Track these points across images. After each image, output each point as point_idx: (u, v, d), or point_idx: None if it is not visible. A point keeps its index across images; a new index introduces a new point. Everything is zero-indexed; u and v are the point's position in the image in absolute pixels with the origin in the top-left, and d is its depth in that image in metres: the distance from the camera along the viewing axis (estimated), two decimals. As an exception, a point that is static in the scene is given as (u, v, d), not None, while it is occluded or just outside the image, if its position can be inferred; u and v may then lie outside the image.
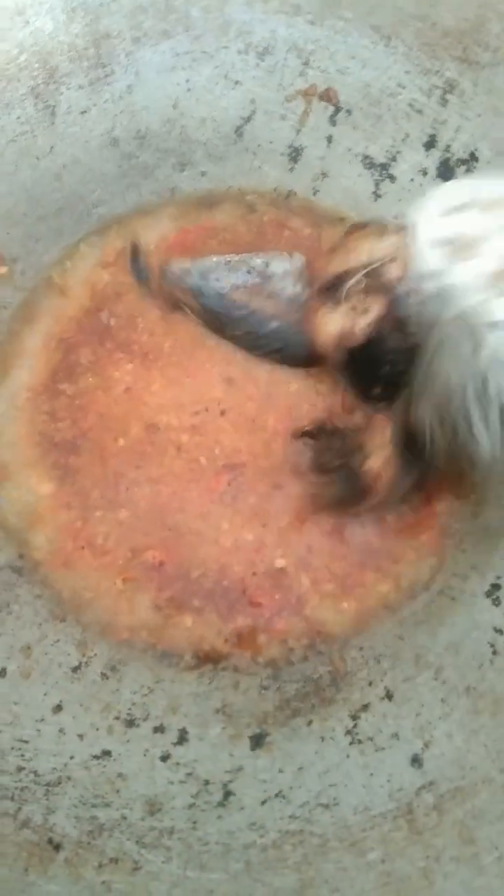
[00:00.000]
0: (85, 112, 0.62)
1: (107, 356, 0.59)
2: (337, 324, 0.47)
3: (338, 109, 0.63)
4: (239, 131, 0.64)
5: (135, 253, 0.60)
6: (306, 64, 0.62)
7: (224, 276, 0.56)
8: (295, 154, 0.64)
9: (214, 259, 0.57)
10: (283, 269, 0.56)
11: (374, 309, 0.45)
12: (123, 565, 0.55)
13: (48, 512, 0.56)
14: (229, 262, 0.57)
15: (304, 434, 0.56)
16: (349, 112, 0.63)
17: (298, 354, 0.55)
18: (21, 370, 0.59)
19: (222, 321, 0.57)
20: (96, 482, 0.56)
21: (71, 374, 0.59)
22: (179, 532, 0.55)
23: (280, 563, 0.54)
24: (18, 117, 0.61)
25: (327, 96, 0.63)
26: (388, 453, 0.49)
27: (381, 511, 0.54)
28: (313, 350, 0.51)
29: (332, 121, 0.63)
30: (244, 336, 0.57)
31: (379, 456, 0.49)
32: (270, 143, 0.64)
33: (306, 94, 0.63)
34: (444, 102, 0.61)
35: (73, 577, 0.55)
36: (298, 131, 0.64)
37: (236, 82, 0.63)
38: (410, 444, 0.46)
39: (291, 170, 0.64)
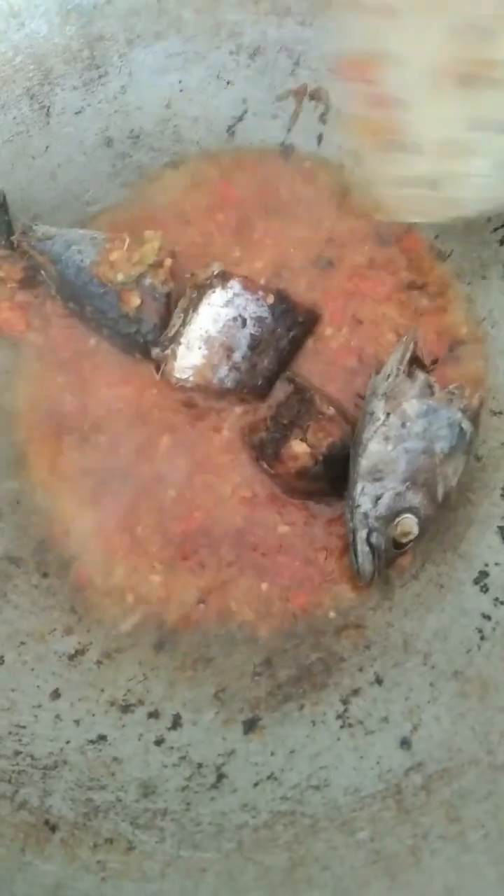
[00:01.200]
0: (79, 112, 0.63)
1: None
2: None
3: (328, 108, 0.64)
4: (231, 130, 0.65)
5: (2, 207, 0.60)
6: (297, 64, 0.64)
7: (88, 250, 0.58)
8: (286, 152, 0.65)
9: (81, 231, 0.59)
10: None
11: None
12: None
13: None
14: (95, 237, 0.59)
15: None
16: (339, 111, 0.64)
17: (144, 347, 0.58)
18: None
19: (76, 292, 0.58)
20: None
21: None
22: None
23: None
24: (14, 118, 0.62)
25: (317, 95, 0.64)
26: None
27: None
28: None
29: (323, 119, 0.64)
30: (94, 311, 0.58)
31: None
32: (262, 141, 0.65)
33: (297, 93, 0.64)
34: (431, 101, 0.62)
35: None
36: (289, 130, 0.65)
37: (228, 82, 0.64)
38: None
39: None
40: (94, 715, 0.53)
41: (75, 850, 0.47)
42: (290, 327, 0.58)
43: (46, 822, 0.48)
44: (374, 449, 0.52)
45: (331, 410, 0.55)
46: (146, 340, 0.58)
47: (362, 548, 0.53)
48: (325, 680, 0.54)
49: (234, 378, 0.57)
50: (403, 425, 0.52)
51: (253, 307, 0.57)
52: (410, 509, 0.53)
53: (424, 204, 0.53)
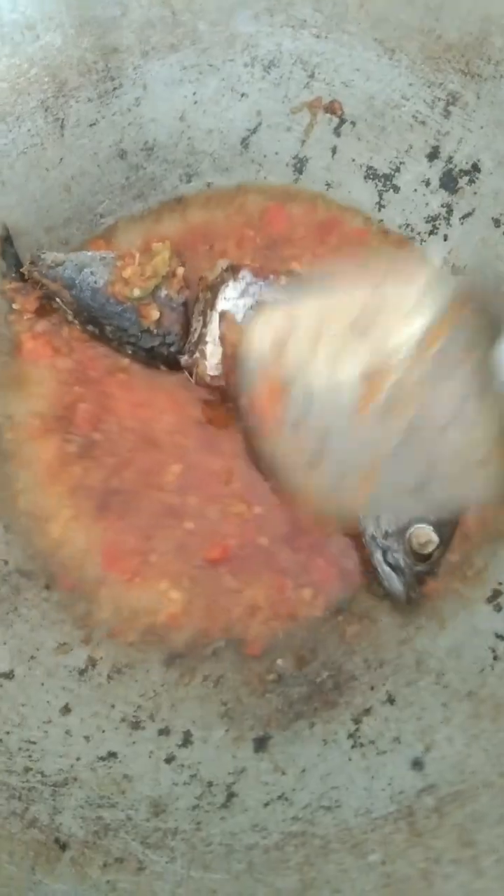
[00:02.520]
0: (93, 124, 0.63)
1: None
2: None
3: (342, 121, 0.64)
4: (245, 143, 0.65)
5: (7, 240, 0.61)
6: (311, 76, 0.63)
7: (100, 270, 0.58)
8: (300, 165, 0.65)
9: (90, 253, 0.60)
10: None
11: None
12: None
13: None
14: (105, 257, 0.59)
15: None
16: (353, 123, 0.64)
17: (168, 358, 0.58)
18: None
19: (94, 314, 0.58)
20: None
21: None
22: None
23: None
24: (28, 130, 0.62)
25: (332, 108, 0.64)
26: None
27: None
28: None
29: (337, 132, 0.64)
30: (114, 330, 0.58)
31: None
32: (276, 154, 0.65)
33: (311, 106, 0.64)
34: (447, 114, 0.62)
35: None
36: (303, 142, 0.65)
37: (242, 94, 0.64)
38: None
39: (296, 180, 0.65)
40: (104, 731, 0.53)
41: (85, 870, 0.47)
42: None
43: (56, 841, 0.48)
44: None
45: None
46: (170, 352, 0.58)
47: (383, 569, 0.53)
48: (336, 698, 0.53)
49: None
50: None
51: (268, 291, 0.56)
52: (420, 518, 0.52)
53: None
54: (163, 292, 0.58)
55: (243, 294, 0.56)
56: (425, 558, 0.53)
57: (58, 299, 0.59)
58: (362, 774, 0.50)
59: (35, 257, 0.59)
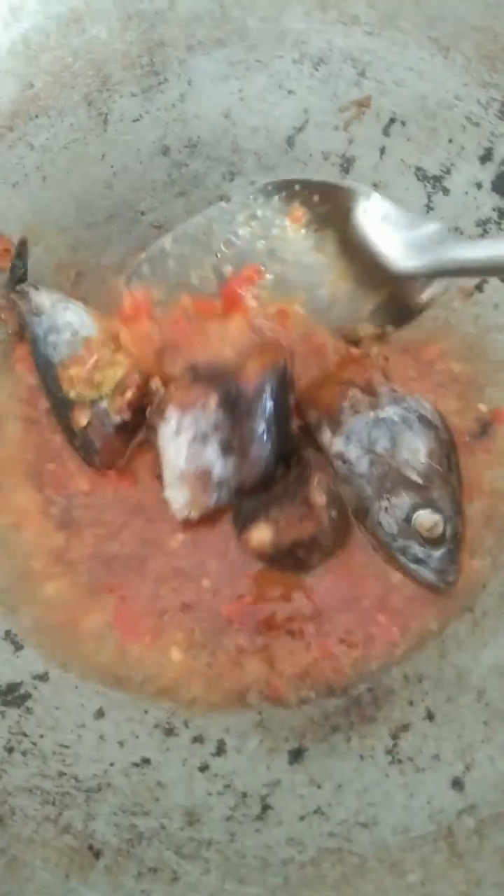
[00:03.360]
0: (137, 120, 0.62)
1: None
2: None
3: (392, 121, 0.62)
4: (291, 141, 0.64)
5: (18, 255, 0.59)
6: (362, 74, 0.62)
7: (63, 344, 0.56)
8: (347, 164, 0.63)
9: (70, 316, 0.57)
10: None
11: None
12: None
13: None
14: (77, 332, 0.56)
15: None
16: (404, 123, 0.62)
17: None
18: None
19: (41, 379, 0.57)
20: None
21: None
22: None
23: None
24: (71, 124, 0.61)
25: (382, 107, 0.62)
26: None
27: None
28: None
29: (386, 132, 0.63)
30: (52, 406, 0.57)
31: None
32: (322, 152, 0.63)
33: (361, 104, 0.62)
34: (501, 116, 0.60)
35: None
36: (351, 142, 0.63)
37: (290, 92, 0.63)
38: None
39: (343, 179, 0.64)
40: (138, 737, 0.52)
41: (119, 878, 0.46)
42: (254, 402, 0.53)
43: (90, 848, 0.47)
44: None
45: (321, 500, 0.53)
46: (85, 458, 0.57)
47: (410, 568, 0.53)
48: (373, 712, 0.52)
49: (227, 493, 0.53)
50: (345, 462, 0.54)
51: (202, 420, 0.53)
52: (415, 506, 0.52)
53: None
54: (103, 405, 0.55)
55: (178, 433, 0.53)
56: (440, 540, 0.52)
57: (26, 333, 0.58)
58: (400, 791, 0.49)
59: (23, 291, 0.57)
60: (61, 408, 0.56)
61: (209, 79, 0.62)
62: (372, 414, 0.54)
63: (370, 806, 0.49)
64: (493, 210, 0.61)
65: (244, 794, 0.50)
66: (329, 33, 0.61)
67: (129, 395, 0.55)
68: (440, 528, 0.52)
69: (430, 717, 0.51)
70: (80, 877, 0.46)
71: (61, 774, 0.50)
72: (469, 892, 0.44)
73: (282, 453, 0.54)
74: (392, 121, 0.62)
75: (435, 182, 0.62)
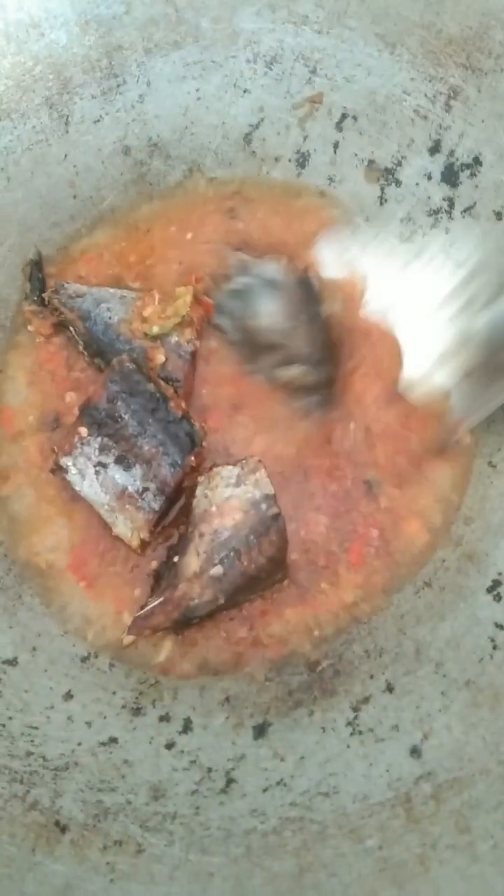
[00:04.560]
0: (98, 121, 0.64)
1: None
2: None
3: (344, 116, 0.64)
4: (248, 138, 0.65)
5: (36, 265, 0.62)
6: (313, 72, 0.64)
7: (117, 307, 0.59)
8: (302, 160, 0.65)
9: (111, 290, 0.60)
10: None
11: None
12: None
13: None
14: (125, 296, 0.60)
15: None
16: (355, 118, 0.64)
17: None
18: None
19: (102, 348, 0.59)
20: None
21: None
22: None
23: None
24: (34, 126, 0.63)
25: (334, 104, 0.64)
26: None
27: None
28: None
29: (339, 127, 0.65)
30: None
31: None
32: (278, 149, 0.65)
33: (313, 101, 0.64)
34: (448, 108, 0.62)
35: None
36: (305, 138, 0.65)
37: (245, 91, 0.65)
38: None
39: (299, 175, 0.65)
40: (105, 717, 0.53)
41: (85, 852, 0.47)
42: (113, 409, 0.55)
43: (57, 823, 0.48)
44: None
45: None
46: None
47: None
48: (335, 686, 0.54)
49: (154, 497, 0.55)
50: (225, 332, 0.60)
51: (90, 453, 0.55)
52: (273, 366, 0.59)
53: None
54: (173, 339, 0.58)
55: (83, 476, 0.56)
56: (312, 387, 0.58)
57: (72, 328, 0.60)
58: (360, 761, 0.50)
59: (59, 286, 0.60)
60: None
61: (167, 80, 0.64)
62: (225, 286, 0.59)
63: (331, 776, 0.50)
64: (444, 200, 0.63)
65: (209, 769, 0.51)
66: (280, 33, 0.63)
67: (197, 318, 0.59)
68: (307, 378, 0.56)
69: (389, 689, 0.53)
70: (46, 851, 0.47)
71: (29, 754, 0.51)
72: (425, 854, 0.45)
73: (171, 430, 0.55)
74: (344, 116, 0.64)
75: (388, 174, 0.64)
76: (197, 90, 0.65)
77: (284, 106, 0.65)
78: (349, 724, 0.52)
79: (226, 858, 0.47)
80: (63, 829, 0.48)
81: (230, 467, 0.54)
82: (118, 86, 0.64)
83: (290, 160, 0.65)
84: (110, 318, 0.58)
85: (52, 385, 0.61)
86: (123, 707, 0.54)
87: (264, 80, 0.64)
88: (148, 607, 0.53)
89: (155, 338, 0.58)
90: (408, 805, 0.47)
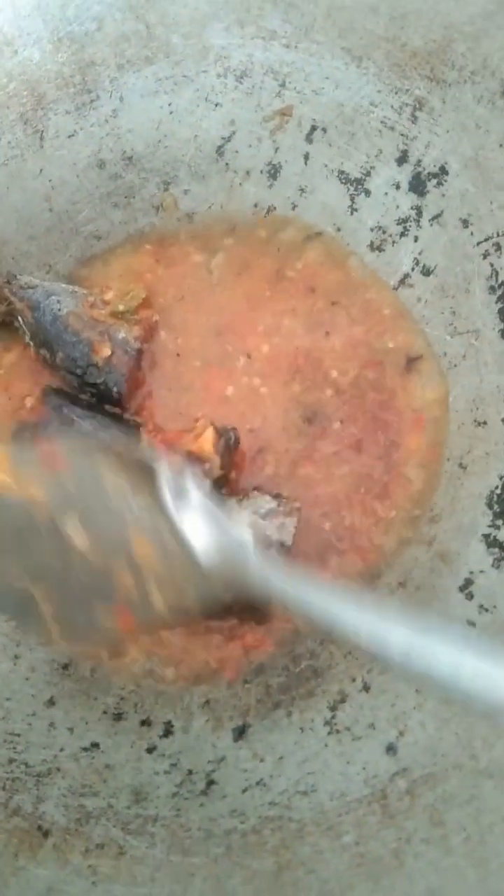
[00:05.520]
0: (72, 136, 0.65)
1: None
2: None
3: (314, 128, 0.65)
4: (220, 151, 0.67)
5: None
6: (283, 85, 0.65)
7: (66, 301, 0.60)
8: (274, 171, 0.67)
9: (63, 285, 0.62)
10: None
11: None
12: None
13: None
14: (76, 291, 0.61)
15: None
16: (325, 130, 0.65)
17: (111, 396, 0.60)
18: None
19: (49, 339, 0.60)
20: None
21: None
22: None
23: None
24: (9, 142, 0.64)
25: (304, 116, 0.66)
26: None
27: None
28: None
29: (309, 139, 0.66)
30: (64, 358, 0.60)
31: None
32: (250, 161, 0.67)
33: (283, 114, 0.66)
34: (414, 119, 0.64)
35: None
36: (277, 150, 0.66)
37: (216, 104, 0.66)
38: None
39: (271, 186, 0.67)
40: (87, 723, 0.54)
41: (67, 855, 0.48)
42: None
43: (39, 828, 0.49)
44: None
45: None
46: (112, 394, 0.60)
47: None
48: (313, 687, 0.55)
49: None
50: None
51: None
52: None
53: None
54: (121, 335, 0.60)
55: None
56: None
57: (20, 318, 0.61)
58: (338, 760, 0.51)
59: (10, 276, 0.61)
60: (77, 354, 0.59)
61: (139, 95, 0.66)
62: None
63: (309, 775, 0.51)
64: (412, 209, 0.64)
65: (190, 772, 0.52)
66: (249, 48, 0.64)
67: (153, 320, 0.61)
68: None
69: (366, 688, 0.54)
70: (29, 856, 0.48)
71: (11, 761, 0.52)
72: (400, 848, 0.46)
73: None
74: (314, 128, 0.66)
75: (357, 185, 0.65)
76: (169, 104, 0.66)
77: (255, 119, 0.66)
78: (327, 723, 0.53)
79: (206, 858, 0.48)
80: (46, 834, 0.49)
81: (269, 498, 0.54)
82: (91, 101, 0.65)
83: (261, 172, 0.67)
84: (59, 309, 0.59)
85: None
86: (105, 713, 0.55)
87: (235, 94, 0.66)
88: None
89: (117, 314, 0.60)
90: (384, 801, 0.48)
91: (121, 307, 0.60)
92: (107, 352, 0.59)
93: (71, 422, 0.57)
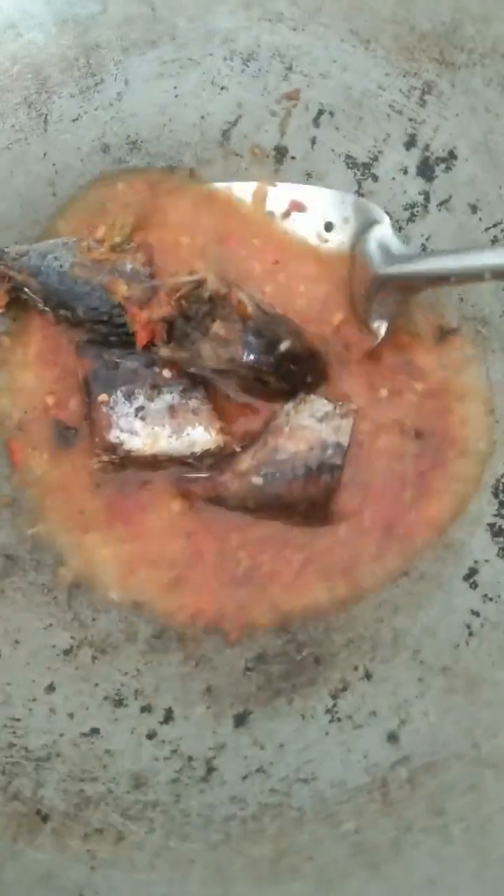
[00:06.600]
0: (76, 119, 0.65)
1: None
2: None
3: (321, 112, 0.65)
4: (226, 135, 0.66)
5: None
6: (289, 69, 0.65)
7: (63, 255, 0.59)
8: (280, 155, 0.66)
9: (52, 241, 0.60)
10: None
11: None
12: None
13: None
14: (66, 242, 0.60)
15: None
16: (332, 114, 0.65)
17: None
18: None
19: (63, 298, 0.59)
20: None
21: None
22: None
23: None
24: (13, 125, 0.64)
25: (310, 99, 0.65)
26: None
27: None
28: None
29: (316, 123, 0.65)
30: (86, 310, 0.58)
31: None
32: (256, 144, 0.66)
33: (290, 97, 0.65)
34: (422, 103, 0.63)
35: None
36: (283, 133, 0.66)
37: (222, 88, 0.65)
38: None
39: (277, 171, 0.66)
40: (87, 708, 0.54)
41: (66, 840, 0.48)
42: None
43: (38, 813, 0.49)
44: None
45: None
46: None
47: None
48: (315, 675, 0.54)
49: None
50: None
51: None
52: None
53: None
54: (128, 266, 0.59)
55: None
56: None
57: (26, 289, 0.60)
58: (338, 748, 0.51)
59: (0, 252, 0.60)
60: (96, 302, 0.58)
61: (144, 78, 0.65)
62: None
63: (310, 762, 0.50)
64: (420, 194, 0.63)
65: (190, 758, 0.52)
66: (255, 30, 0.64)
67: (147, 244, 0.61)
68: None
69: (367, 676, 0.53)
70: (28, 839, 0.48)
71: (11, 745, 0.52)
72: (398, 836, 0.46)
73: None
74: (321, 112, 0.65)
75: (364, 169, 0.65)
76: (174, 88, 0.65)
77: (262, 102, 0.65)
78: (328, 711, 0.52)
79: (205, 845, 0.48)
80: (45, 819, 0.49)
81: (325, 401, 0.56)
82: (96, 84, 0.65)
83: (268, 156, 0.66)
84: (61, 266, 0.59)
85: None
86: (105, 699, 0.54)
87: (241, 78, 0.65)
88: (193, 475, 0.56)
89: (116, 247, 0.59)
90: (384, 789, 0.48)
91: (117, 239, 0.60)
92: (123, 288, 0.57)
93: (115, 365, 0.57)
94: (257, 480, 0.54)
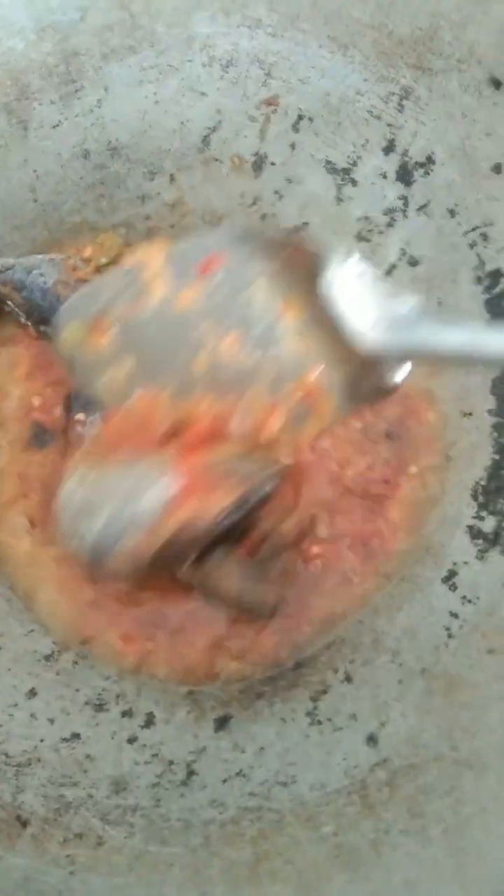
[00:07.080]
0: (56, 126, 0.65)
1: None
2: None
3: (300, 117, 0.65)
4: (206, 140, 0.66)
5: None
6: (269, 74, 0.65)
7: (49, 271, 0.59)
8: (260, 161, 0.66)
9: (39, 256, 0.61)
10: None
11: None
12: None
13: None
14: (53, 259, 0.61)
15: None
16: (311, 119, 0.65)
17: None
18: None
19: (44, 314, 0.59)
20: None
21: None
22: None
23: None
24: (-7, 132, 0.64)
25: (290, 105, 0.65)
26: None
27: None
28: None
29: (295, 128, 0.65)
30: None
31: None
32: (236, 150, 0.66)
33: (269, 103, 0.65)
34: (401, 108, 0.63)
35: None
36: (263, 139, 0.66)
37: (202, 94, 0.66)
38: None
39: (257, 176, 0.66)
40: (68, 714, 0.54)
41: (45, 845, 0.48)
42: None
43: (18, 818, 0.49)
44: None
45: None
46: None
47: None
48: (295, 678, 0.54)
49: None
50: None
51: None
52: None
53: None
54: None
55: None
56: None
57: (9, 302, 0.60)
58: (318, 750, 0.51)
59: None
60: None
61: (124, 84, 0.65)
62: None
63: (290, 765, 0.51)
64: (398, 199, 0.64)
65: (170, 762, 0.52)
66: (234, 36, 0.64)
67: None
68: None
69: (348, 679, 0.54)
70: (7, 845, 0.48)
71: (-8, 751, 0.52)
72: (378, 839, 0.46)
73: None
74: (300, 117, 0.65)
75: (344, 174, 0.65)
76: (154, 94, 0.66)
77: (241, 108, 0.65)
78: (308, 714, 0.53)
79: (184, 849, 0.48)
80: (24, 824, 0.49)
81: None
82: (76, 91, 0.65)
83: (247, 162, 0.66)
84: (45, 282, 0.59)
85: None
86: (87, 703, 0.54)
87: (220, 84, 0.65)
88: None
89: (102, 268, 0.60)
90: (363, 792, 0.48)
91: (103, 260, 0.60)
92: None
93: None
94: None
